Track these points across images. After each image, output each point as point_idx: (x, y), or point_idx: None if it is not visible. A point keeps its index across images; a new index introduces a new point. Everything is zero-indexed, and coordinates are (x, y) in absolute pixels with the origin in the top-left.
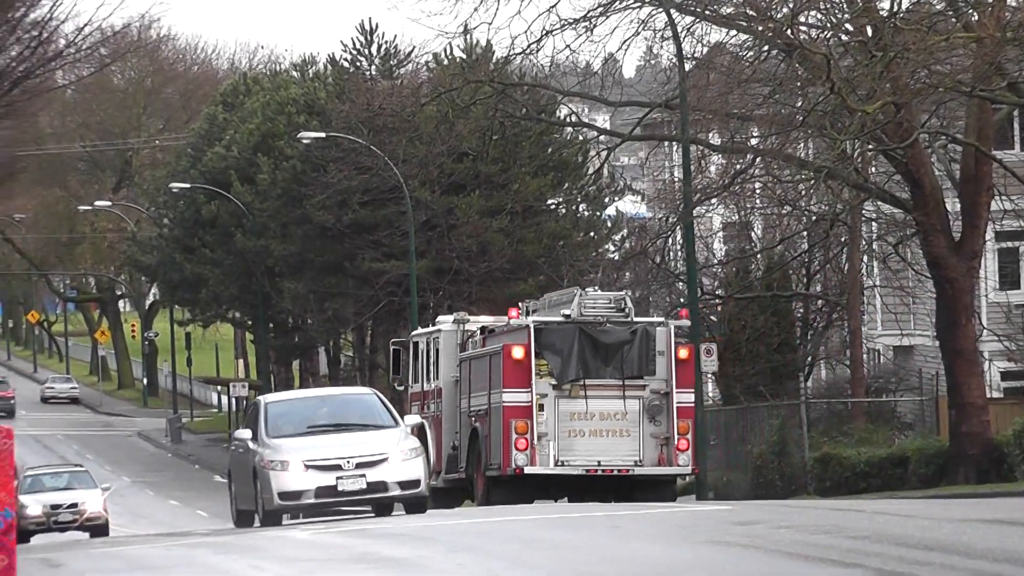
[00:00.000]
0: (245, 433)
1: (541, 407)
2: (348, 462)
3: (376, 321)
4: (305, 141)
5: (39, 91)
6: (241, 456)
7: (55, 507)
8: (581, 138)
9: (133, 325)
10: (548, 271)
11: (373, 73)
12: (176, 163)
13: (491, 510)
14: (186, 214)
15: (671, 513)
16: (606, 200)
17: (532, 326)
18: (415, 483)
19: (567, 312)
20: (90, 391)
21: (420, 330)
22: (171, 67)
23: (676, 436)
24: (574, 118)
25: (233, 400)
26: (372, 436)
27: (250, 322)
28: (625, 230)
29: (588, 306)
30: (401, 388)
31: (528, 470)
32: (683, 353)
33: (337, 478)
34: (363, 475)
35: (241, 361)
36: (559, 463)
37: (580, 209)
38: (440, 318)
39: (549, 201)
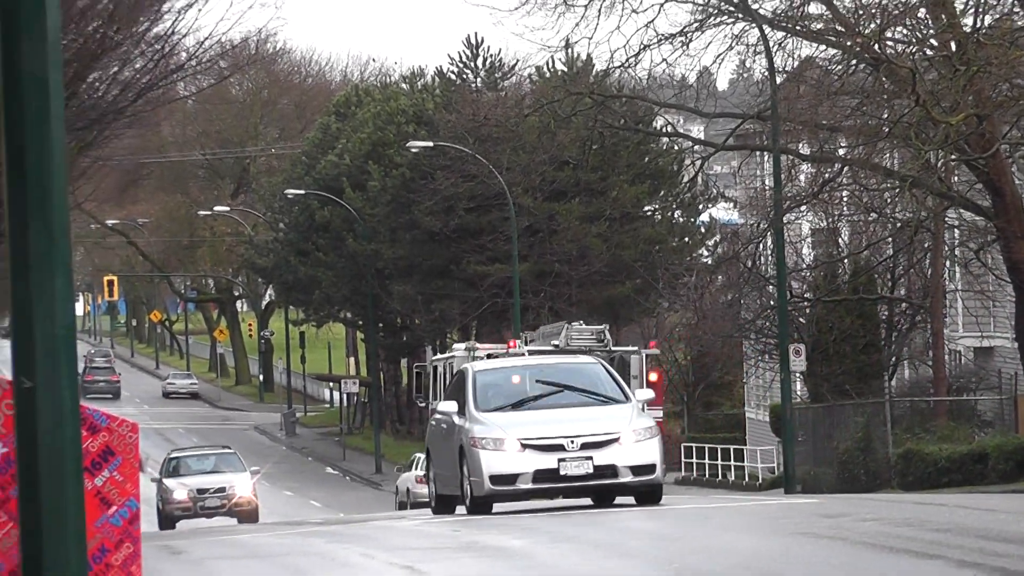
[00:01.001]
0: (449, 406)
1: None
2: (572, 442)
3: (480, 321)
4: (414, 150)
5: (162, 102)
6: (444, 433)
7: (202, 491)
8: (676, 148)
9: (250, 324)
10: (644, 274)
11: (479, 85)
12: (291, 170)
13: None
14: (300, 219)
15: (761, 506)
16: (700, 207)
17: (527, 353)
18: (650, 468)
19: (556, 342)
20: (209, 387)
21: (438, 356)
22: (287, 79)
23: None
24: (670, 129)
25: (344, 396)
26: (599, 412)
27: (360, 322)
28: (718, 235)
29: (574, 337)
30: (422, 404)
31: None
32: (653, 376)
33: (559, 460)
34: (589, 457)
35: (352, 359)
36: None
37: (675, 215)
38: (455, 346)
39: (646, 208)
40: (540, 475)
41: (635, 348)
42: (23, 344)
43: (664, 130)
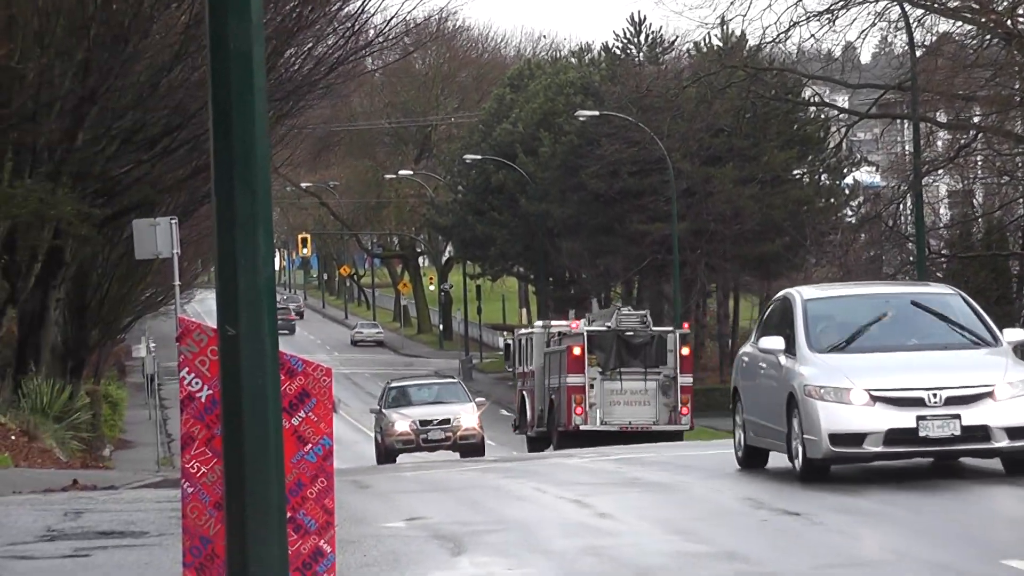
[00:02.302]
0: (774, 342)
1: (591, 386)
2: (935, 395)
3: (642, 275)
4: (581, 118)
5: (352, 75)
6: (764, 375)
7: (424, 423)
8: (823, 116)
9: (431, 278)
10: (793, 233)
11: (641, 59)
12: (469, 137)
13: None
14: (477, 182)
15: None
16: (844, 170)
17: (586, 333)
18: None
19: (609, 324)
20: (393, 335)
21: (523, 330)
22: (465, 54)
23: (680, 405)
24: (817, 99)
25: None
26: (966, 357)
27: (532, 276)
28: (861, 197)
29: (623, 320)
30: (511, 369)
31: (583, 427)
32: (685, 351)
33: (918, 418)
34: (957, 416)
35: (524, 310)
36: (603, 423)
37: (821, 178)
38: (536, 323)
39: (794, 171)
40: (895, 435)
41: (671, 328)
42: (227, 295)
43: (811, 100)
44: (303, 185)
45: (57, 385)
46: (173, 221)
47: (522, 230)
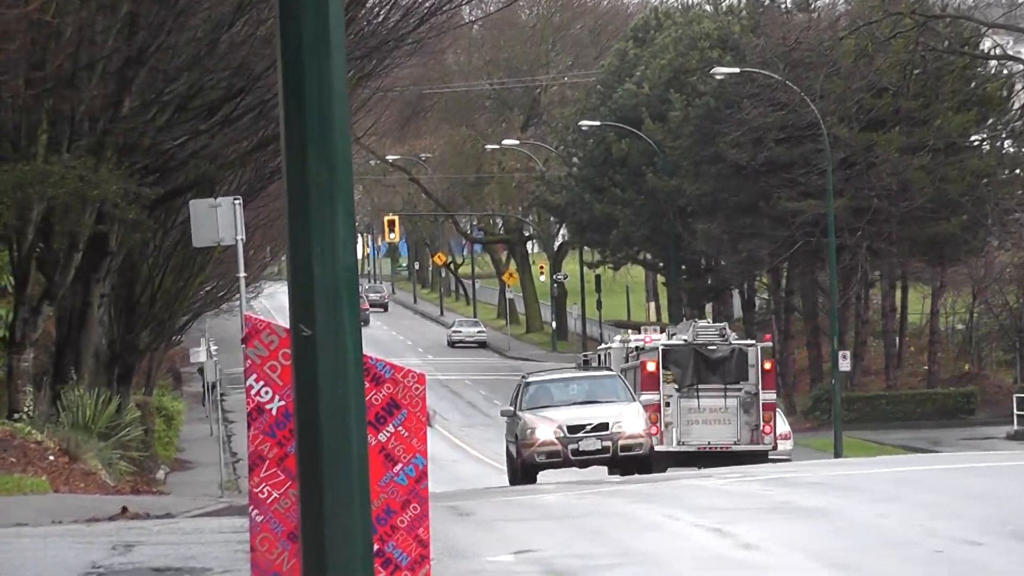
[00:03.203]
0: None
1: (667, 404)
2: None
3: (792, 262)
4: (718, 77)
5: (446, 28)
6: None
7: (574, 429)
8: (1006, 72)
9: (541, 267)
10: (971, 210)
11: (789, 6)
12: (585, 100)
13: (911, 459)
14: (596, 152)
15: None
16: None
17: (660, 348)
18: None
19: (685, 338)
20: (497, 335)
21: (603, 345)
22: (580, 2)
23: (762, 423)
24: (998, 51)
25: None
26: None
27: (661, 264)
28: None
29: (700, 333)
30: None
31: (658, 448)
32: (767, 365)
33: None
34: None
35: (652, 304)
36: (680, 443)
37: (1005, 145)
38: (616, 337)
39: (972, 137)
40: None
41: (752, 341)
42: (301, 287)
43: (992, 52)
44: (389, 158)
45: (102, 396)
46: (237, 202)
47: (649, 209)
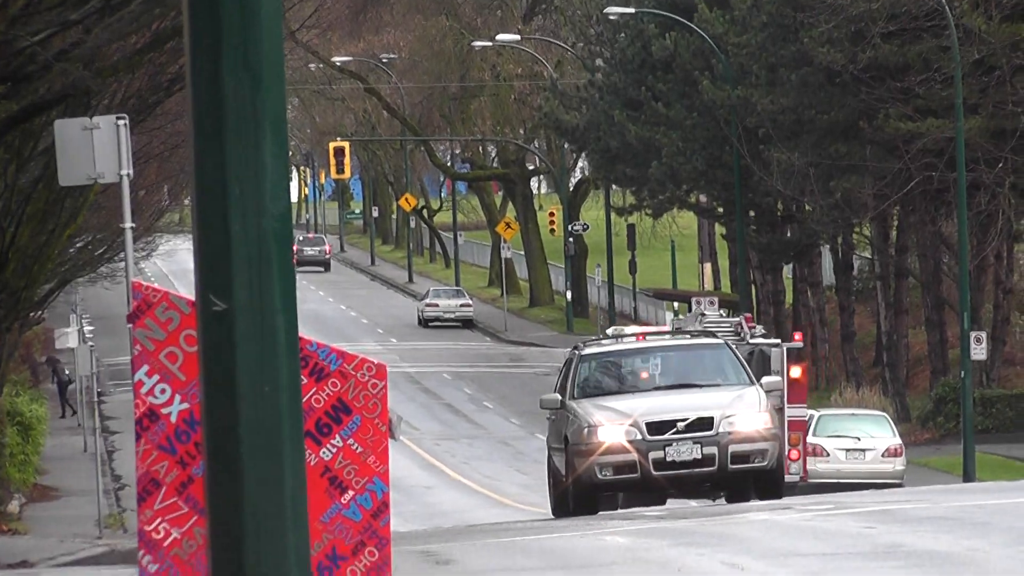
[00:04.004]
0: None
1: None
2: None
3: (905, 207)
4: None
5: None
6: None
7: (657, 427)
8: None
9: (552, 214)
10: None
11: None
12: None
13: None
14: (629, 53)
15: None
16: None
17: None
18: None
19: (691, 329)
20: (489, 309)
21: (592, 339)
22: None
23: (787, 447)
24: None
25: None
26: None
27: (721, 210)
28: None
29: (707, 327)
30: None
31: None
32: (795, 372)
33: None
34: None
35: (708, 266)
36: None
37: None
38: (608, 330)
39: None
40: None
41: (776, 341)
42: (213, 244)
43: None
44: (337, 60)
45: None
46: (122, 122)
47: (705, 133)
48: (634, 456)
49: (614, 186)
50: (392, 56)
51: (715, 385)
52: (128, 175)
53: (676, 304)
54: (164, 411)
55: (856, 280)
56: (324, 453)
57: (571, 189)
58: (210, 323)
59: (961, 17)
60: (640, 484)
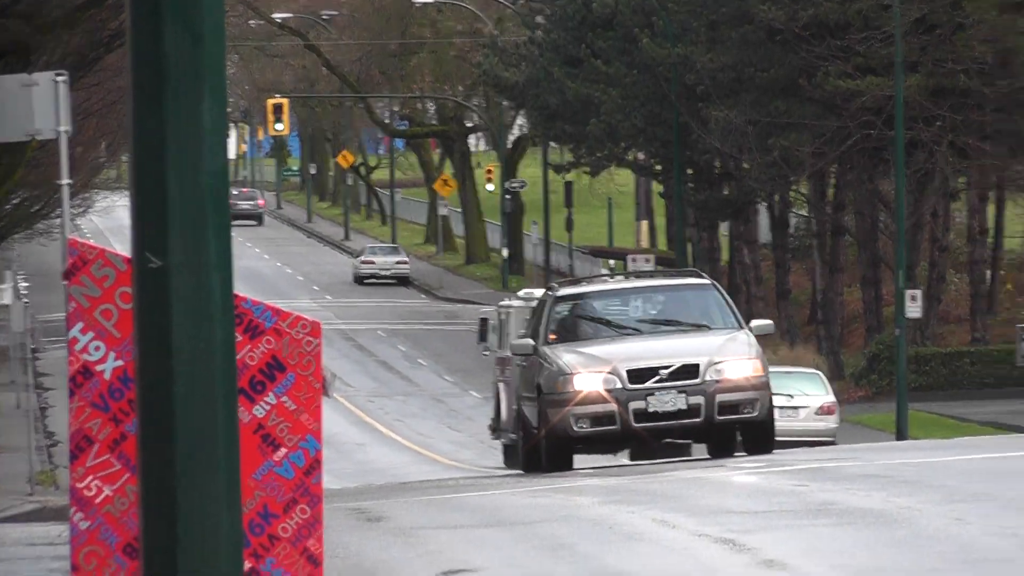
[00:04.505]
0: None
1: None
2: None
3: (843, 165)
4: None
5: None
6: None
7: (639, 375)
8: None
9: (489, 172)
10: None
11: None
12: None
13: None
14: (570, 10)
15: None
16: None
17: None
18: None
19: None
20: (425, 266)
21: (505, 302)
22: None
23: None
24: None
25: None
26: None
27: (659, 167)
28: None
29: None
30: (486, 353)
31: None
32: None
33: None
34: None
35: (645, 223)
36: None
37: None
38: (519, 292)
39: None
40: None
41: None
42: (150, 201)
43: None
44: (278, 17)
45: None
46: (60, 79)
47: (644, 91)
48: (613, 406)
49: (552, 143)
50: (332, 12)
51: (701, 329)
52: (66, 131)
53: (612, 262)
54: (98, 368)
55: (792, 238)
56: (257, 410)
57: (509, 146)
58: (146, 280)
59: None
60: (620, 436)
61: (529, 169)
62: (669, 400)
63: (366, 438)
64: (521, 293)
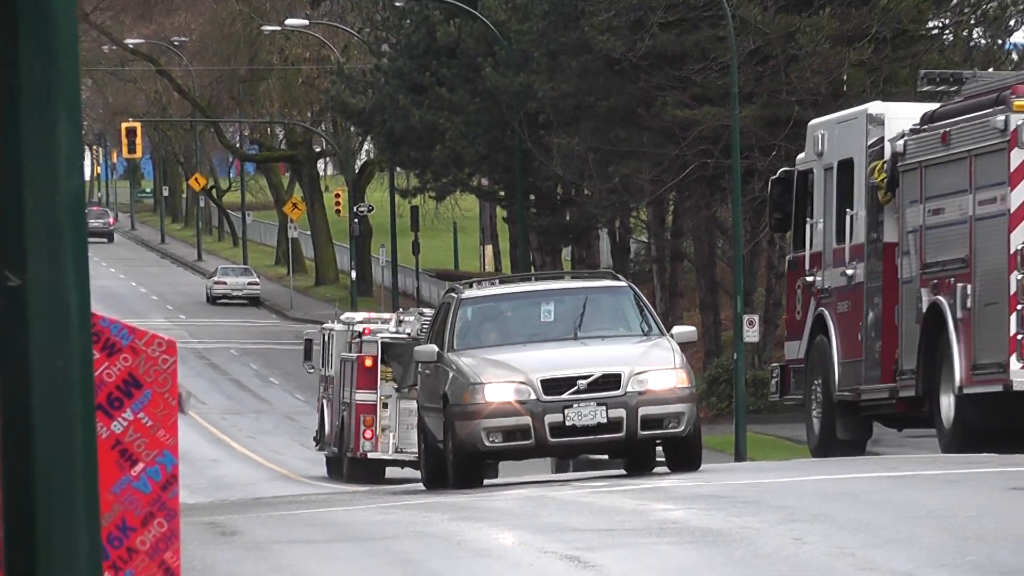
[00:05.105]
0: None
1: (385, 405)
2: None
3: (682, 192)
4: None
5: None
6: None
7: (556, 386)
8: None
9: (338, 195)
10: None
11: None
12: None
13: (842, 464)
14: (414, 38)
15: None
16: (1011, 23)
17: (380, 341)
18: None
19: (409, 331)
20: (276, 287)
21: (327, 325)
22: None
23: None
24: None
25: None
26: None
27: (503, 193)
28: None
29: (426, 324)
30: (311, 371)
31: (371, 455)
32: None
33: None
34: None
35: (489, 248)
36: (399, 450)
37: (974, 35)
38: (342, 316)
39: (930, 24)
40: None
41: None
42: (7, 221)
43: None
44: (130, 43)
45: None
46: None
47: (487, 118)
48: (527, 419)
49: (398, 168)
50: (183, 39)
51: (620, 336)
52: None
53: (459, 284)
54: None
55: (632, 263)
56: (115, 426)
57: (356, 171)
58: (3, 298)
59: (737, 8)
60: (534, 451)
61: (376, 193)
62: (588, 413)
63: (220, 454)
64: (343, 317)
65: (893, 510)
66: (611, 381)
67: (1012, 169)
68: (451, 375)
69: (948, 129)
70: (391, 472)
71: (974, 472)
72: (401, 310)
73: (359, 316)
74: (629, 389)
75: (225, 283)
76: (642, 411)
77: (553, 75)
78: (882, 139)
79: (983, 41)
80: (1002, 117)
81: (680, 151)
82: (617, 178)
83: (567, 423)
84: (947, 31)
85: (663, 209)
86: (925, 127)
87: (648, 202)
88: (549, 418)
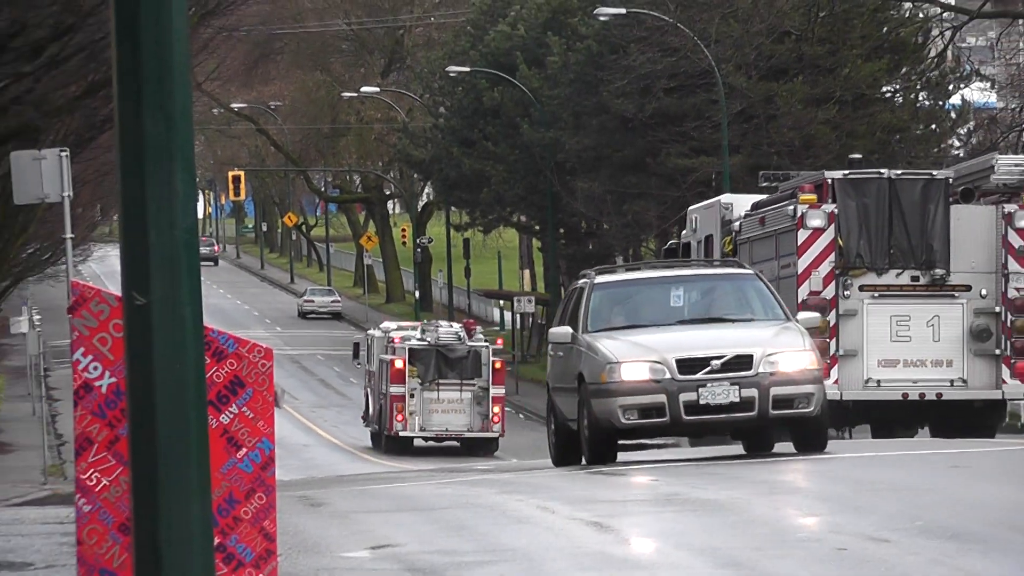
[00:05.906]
0: None
1: (412, 395)
2: None
3: (683, 226)
4: (602, 18)
5: None
6: None
7: (690, 364)
8: (922, 15)
9: (404, 229)
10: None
11: None
12: (454, 43)
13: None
14: (465, 102)
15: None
16: (950, 87)
17: (407, 347)
18: None
19: (429, 339)
20: (354, 305)
21: (370, 331)
22: None
23: (491, 414)
24: None
25: (516, 316)
26: None
27: (538, 227)
28: (972, 122)
29: (442, 335)
30: (359, 365)
31: (402, 433)
32: (497, 364)
33: None
34: None
35: (527, 272)
36: (422, 429)
37: (920, 98)
38: (383, 325)
39: (884, 88)
40: None
41: (485, 343)
42: (135, 251)
43: None
44: (235, 106)
45: None
46: (63, 154)
47: (524, 166)
48: (662, 398)
49: (453, 207)
50: (278, 103)
51: (749, 319)
52: (68, 196)
53: (502, 301)
54: (96, 384)
55: None
56: (223, 418)
57: (419, 210)
58: (133, 314)
59: (727, 76)
60: (669, 429)
61: (435, 228)
62: (721, 392)
63: (310, 440)
64: (382, 326)
65: (856, 485)
66: (743, 362)
67: (799, 244)
68: (586, 355)
69: (765, 215)
70: (418, 443)
71: (928, 454)
72: (424, 321)
73: (393, 325)
74: (761, 370)
75: (313, 301)
76: (774, 391)
77: (577, 131)
78: (730, 221)
79: (927, 102)
80: (792, 207)
81: (681, 193)
82: (630, 215)
83: (701, 402)
84: (898, 94)
85: (667, 238)
86: (753, 212)
87: (655, 234)
88: (683, 396)
